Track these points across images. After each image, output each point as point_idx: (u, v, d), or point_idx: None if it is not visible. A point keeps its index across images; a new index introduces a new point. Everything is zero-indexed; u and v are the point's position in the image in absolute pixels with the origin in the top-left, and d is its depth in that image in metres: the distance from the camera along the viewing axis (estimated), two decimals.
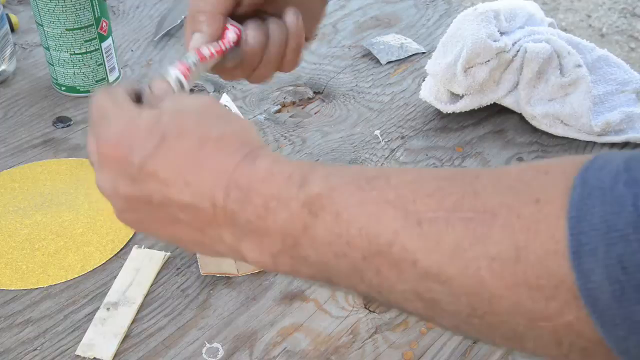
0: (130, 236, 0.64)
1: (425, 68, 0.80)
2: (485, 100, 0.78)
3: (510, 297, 0.34)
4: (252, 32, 0.53)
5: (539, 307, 0.33)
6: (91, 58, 0.81)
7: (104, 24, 0.81)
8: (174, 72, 0.49)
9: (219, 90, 0.85)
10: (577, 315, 0.32)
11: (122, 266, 0.62)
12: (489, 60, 0.75)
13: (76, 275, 0.61)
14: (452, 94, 0.78)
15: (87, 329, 0.56)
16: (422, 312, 0.37)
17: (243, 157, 0.41)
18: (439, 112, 0.80)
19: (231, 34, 0.53)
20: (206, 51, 0.51)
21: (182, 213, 0.42)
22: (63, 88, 0.83)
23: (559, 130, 0.77)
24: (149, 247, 0.63)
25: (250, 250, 0.41)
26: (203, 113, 0.43)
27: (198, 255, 0.61)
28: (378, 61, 0.90)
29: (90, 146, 0.45)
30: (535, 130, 0.78)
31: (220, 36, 0.53)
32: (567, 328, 0.33)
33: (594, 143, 0.76)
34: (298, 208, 0.39)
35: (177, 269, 0.62)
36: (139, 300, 0.58)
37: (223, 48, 0.52)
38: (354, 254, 0.37)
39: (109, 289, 0.60)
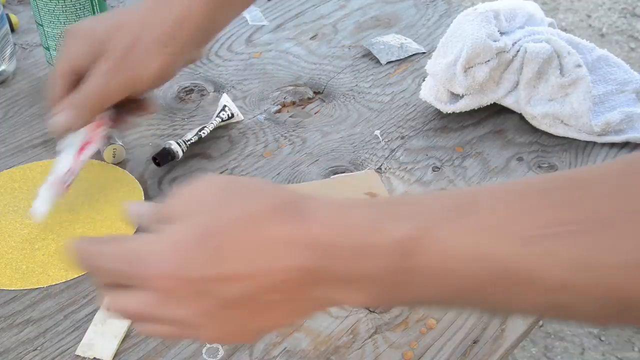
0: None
1: (425, 68, 0.80)
2: (485, 100, 0.78)
3: None
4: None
5: None
6: None
7: None
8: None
9: (218, 90, 0.85)
10: None
11: None
12: (489, 60, 0.75)
13: (76, 276, 0.61)
14: (452, 94, 0.78)
15: (87, 329, 0.56)
16: (552, 315, 0.38)
17: (304, 217, 0.41)
18: (439, 112, 0.80)
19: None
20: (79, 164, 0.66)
21: (271, 295, 0.40)
22: None
23: (559, 130, 0.77)
24: None
25: (347, 297, 0.40)
26: (225, 198, 0.42)
27: None
28: (378, 61, 0.90)
29: (138, 299, 0.41)
30: (535, 130, 0.78)
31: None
32: None
33: (594, 143, 0.76)
34: (390, 254, 0.38)
35: None
36: None
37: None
38: (471, 283, 0.37)
39: None
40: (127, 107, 0.67)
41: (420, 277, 0.38)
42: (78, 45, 0.63)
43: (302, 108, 0.82)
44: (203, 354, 0.55)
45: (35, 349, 0.55)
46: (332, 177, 0.72)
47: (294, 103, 0.83)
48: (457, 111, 0.78)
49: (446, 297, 0.39)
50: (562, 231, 0.35)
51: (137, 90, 0.65)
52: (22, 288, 0.60)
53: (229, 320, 0.41)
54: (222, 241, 0.40)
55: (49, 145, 0.76)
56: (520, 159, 0.75)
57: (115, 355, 0.55)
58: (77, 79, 0.64)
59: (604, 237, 0.34)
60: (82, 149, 0.66)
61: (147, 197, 0.69)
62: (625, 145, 0.76)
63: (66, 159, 0.65)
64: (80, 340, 0.56)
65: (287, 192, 0.43)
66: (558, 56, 0.76)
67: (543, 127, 0.77)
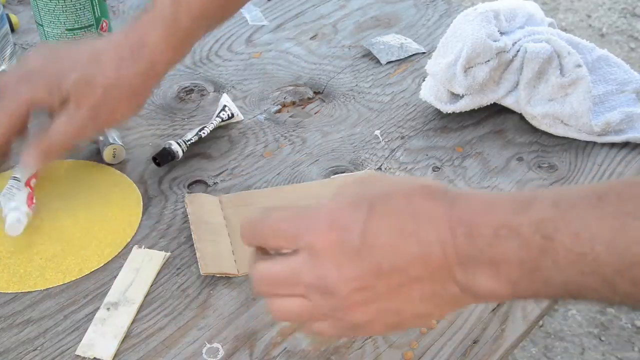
0: (129, 239, 0.64)
1: (425, 68, 0.80)
2: (485, 100, 0.78)
3: None
4: None
5: None
6: None
7: (104, 24, 0.81)
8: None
9: (218, 90, 0.85)
10: None
11: (122, 266, 0.62)
12: (489, 60, 0.75)
13: (74, 279, 0.61)
14: (452, 94, 0.78)
15: (87, 329, 0.56)
16: None
17: (449, 198, 0.43)
18: (439, 112, 0.80)
19: None
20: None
21: (412, 269, 0.42)
22: None
23: (559, 130, 0.77)
24: (149, 247, 0.63)
25: (486, 282, 0.42)
26: (377, 178, 0.47)
27: (198, 255, 0.61)
28: (378, 61, 0.90)
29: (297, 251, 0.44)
30: (535, 130, 0.78)
31: None
32: None
33: (594, 143, 0.76)
34: (530, 234, 0.40)
35: (177, 269, 0.62)
36: (139, 300, 0.58)
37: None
38: (604, 270, 0.38)
39: (109, 289, 0.60)
40: None
41: (555, 263, 0.39)
42: (41, 87, 0.63)
43: (302, 108, 0.82)
44: (203, 354, 0.55)
45: (35, 349, 0.55)
46: (332, 177, 0.72)
47: (294, 103, 0.83)
48: (457, 111, 0.78)
49: (577, 287, 0.40)
50: None
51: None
52: (19, 291, 0.60)
53: (365, 290, 0.43)
54: (378, 210, 0.43)
55: None
56: (520, 159, 0.75)
57: (115, 355, 0.55)
58: (26, 120, 0.64)
59: None
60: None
61: (147, 197, 0.69)
62: (625, 145, 0.76)
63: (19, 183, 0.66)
64: (80, 340, 0.56)
65: (432, 180, 0.47)
66: (558, 56, 0.76)
67: (543, 127, 0.77)
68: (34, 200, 0.66)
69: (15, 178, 0.65)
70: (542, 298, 0.43)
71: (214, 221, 0.65)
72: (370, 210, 0.43)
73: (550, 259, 0.40)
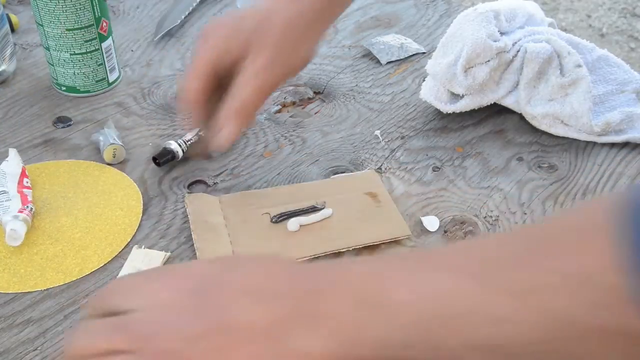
0: (129, 239, 0.64)
1: (425, 68, 0.80)
2: (485, 100, 0.78)
3: (584, 318, 0.35)
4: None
5: (612, 321, 0.34)
6: (91, 58, 0.81)
7: (104, 24, 0.81)
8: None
9: None
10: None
11: (122, 266, 0.62)
12: (489, 60, 0.75)
13: (74, 279, 0.61)
14: (452, 94, 0.78)
15: None
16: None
17: (295, 266, 0.44)
18: (439, 112, 0.80)
19: None
20: None
21: (247, 321, 0.40)
22: (63, 88, 0.83)
23: (559, 130, 0.77)
24: (149, 247, 0.63)
25: (311, 342, 0.40)
26: (196, 311, 0.42)
27: (198, 255, 0.61)
28: (378, 61, 0.90)
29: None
30: (535, 130, 0.78)
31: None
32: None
33: (594, 143, 0.76)
34: (356, 288, 0.40)
35: None
36: None
37: None
38: (419, 320, 0.38)
39: None
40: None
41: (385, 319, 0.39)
42: (220, 43, 0.59)
43: (302, 108, 0.82)
44: None
45: (35, 349, 0.55)
46: (332, 177, 0.72)
47: (294, 103, 0.83)
48: (457, 111, 0.78)
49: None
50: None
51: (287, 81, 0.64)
52: (19, 291, 0.60)
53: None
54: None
55: (49, 145, 0.76)
56: (520, 159, 0.75)
57: None
58: (216, 80, 0.61)
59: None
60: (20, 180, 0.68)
61: (147, 197, 0.69)
62: (625, 145, 0.76)
63: (11, 187, 0.66)
64: None
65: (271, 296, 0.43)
66: (558, 56, 0.76)
67: (543, 127, 0.77)
68: (30, 198, 0.66)
69: (3, 192, 0.66)
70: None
71: (214, 221, 0.65)
72: (224, 268, 0.44)
73: (375, 314, 0.39)
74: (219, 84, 0.62)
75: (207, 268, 0.44)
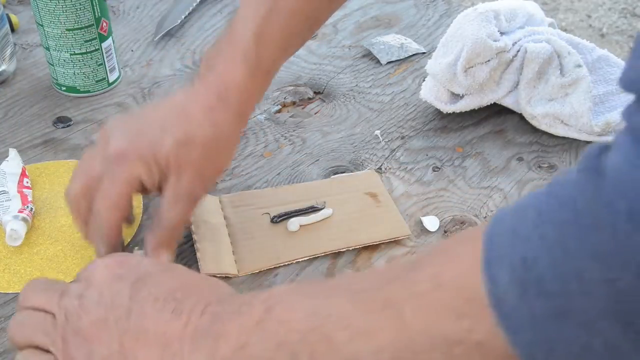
0: (129, 240, 0.64)
1: (426, 68, 0.80)
2: (485, 100, 0.78)
3: (427, 329, 0.36)
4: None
5: (452, 328, 0.35)
6: (91, 58, 0.81)
7: (104, 24, 0.81)
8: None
9: None
10: (488, 330, 0.34)
11: None
12: (489, 60, 0.75)
13: (74, 279, 0.60)
14: (452, 94, 0.78)
15: None
16: None
17: (228, 290, 0.49)
18: (439, 112, 0.80)
19: None
20: None
21: (154, 325, 0.44)
22: (63, 88, 0.83)
23: (559, 130, 0.77)
24: None
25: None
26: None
27: (198, 255, 0.61)
28: (378, 61, 0.90)
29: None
30: (535, 130, 0.78)
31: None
32: (479, 347, 0.35)
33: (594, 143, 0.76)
34: (258, 305, 0.42)
35: None
36: None
37: None
38: (293, 338, 0.40)
39: None
40: None
41: (265, 331, 0.41)
42: (137, 164, 0.55)
43: (302, 108, 0.82)
44: None
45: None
46: (332, 177, 0.72)
47: (294, 103, 0.83)
48: (457, 111, 0.78)
49: None
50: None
51: None
52: (19, 291, 0.60)
53: None
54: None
55: (49, 145, 0.76)
56: (520, 159, 0.75)
57: None
58: (130, 203, 0.57)
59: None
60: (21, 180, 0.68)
61: (147, 197, 0.69)
62: None
63: (11, 187, 0.66)
64: None
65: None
66: (558, 56, 0.76)
67: (543, 127, 0.77)
68: (30, 198, 0.66)
69: (3, 192, 0.66)
70: None
71: (214, 221, 0.65)
72: (164, 269, 0.49)
73: (261, 332, 0.41)
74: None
75: (148, 264, 0.48)
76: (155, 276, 0.46)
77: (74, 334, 0.44)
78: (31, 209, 0.65)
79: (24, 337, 0.47)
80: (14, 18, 0.95)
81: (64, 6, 0.77)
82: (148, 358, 0.43)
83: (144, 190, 0.57)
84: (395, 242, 0.64)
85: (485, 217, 0.67)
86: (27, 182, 0.68)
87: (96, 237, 0.55)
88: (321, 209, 0.66)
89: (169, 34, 0.96)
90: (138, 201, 0.68)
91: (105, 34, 0.81)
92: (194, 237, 0.63)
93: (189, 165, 0.55)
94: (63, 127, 0.79)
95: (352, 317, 0.39)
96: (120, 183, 0.54)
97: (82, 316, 0.44)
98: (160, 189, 0.57)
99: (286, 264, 0.62)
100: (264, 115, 0.81)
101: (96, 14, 0.79)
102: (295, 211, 0.66)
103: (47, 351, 0.46)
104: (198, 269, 0.61)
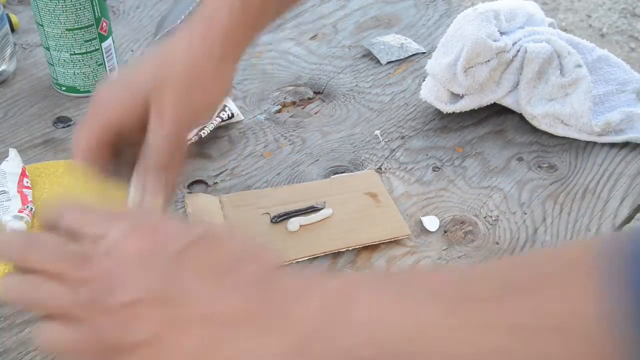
0: None
1: (426, 68, 0.80)
2: (485, 100, 0.78)
3: None
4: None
5: None
6: (91, 58, 0.81)
7: (104, 24, 0.81)
8: None
9: None
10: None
11: None
12: (489, 60, 0.75)
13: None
14: (452, 94, 0.78)
15: None
16: None
17: (273, 263, 0.41)
18: (439, 112, 0.80)
19: None
20: None
21: (199, 305, 0.39)
22: (63, 88, 0.83)
23: (559, 130, 0.77)
24: None
25: (261, 346, 0.38)
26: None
27: None
28: (378, 61, 0.90)
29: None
30: (535, 130, 0.78)
31: None
32: None
33: (594, 143, 0.76)
34: (321, 297, 0.39)
35: None
36: None
37: None
38: (373, 342, 0.37)
39: None
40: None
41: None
42: (116, 107, 0.52)
43: (302, 108, 0.82)
44: None
45: (36, 349, 0.55)
46: (332, 177, 0.72)
47: (294, 103, 0.83)
48: (457, 111, 0.78)
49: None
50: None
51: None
52: None
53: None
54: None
55: (49, 145, 0.76)
56: (520, 159, 0.75)
57: None
58: (116, 147, 0.53)
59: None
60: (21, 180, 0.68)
61: None
62: (625, 145, 0.76)
63: (12, 187, 0.66)
64: None
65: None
66: (558, 56, 0.76)
67: (543, 127, 0.77)
68: (30, 198, 0.66)
69: (3, 192, 0.66)
70: None
71: (214, 221, 0.65)
72: (196, 240, 0.40)
73: (331, 327, 0.38)
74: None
75: (180, 236, 0.41)
76: (191, 250, 0.40)
77: (105, 312, 0.38)
78: (31, 209, 0.65)
79: (37, 307, 0.41)
80: (14, 18, 0.95)
81: (64, 6, 0.77)
82: (192, 341, 0.38)
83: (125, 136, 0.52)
84: (395, 242, 0.64)
85: (485, 217, 0.67)
86: (27, 182, 0.68)
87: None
88: (321, 209, 0.66)
89: (169, 34, 0.95)
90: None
91: (105, 34, 0.81)
92: None
93: (169, 94, 0.51)
94: (63, 127, 0.79)
95: (441, 336, 0.36)
96: (91, 122, 0.52)
97: (114, 294, 0.38)
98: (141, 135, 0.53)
99: (286, 264, 0.62)
100: (264, 115, 0.81)
101: (96, 14, 0.79)
102: (295, 211, 0.66)
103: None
104: None
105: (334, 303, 0.38)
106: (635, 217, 0.70)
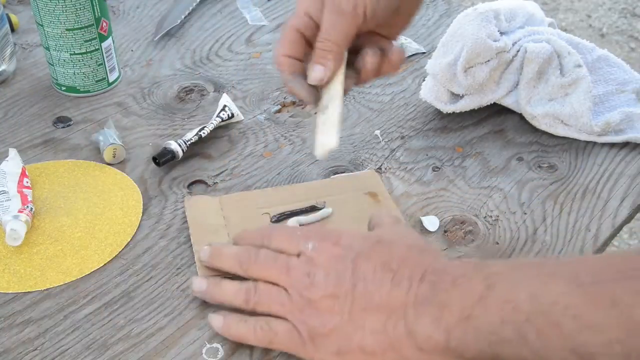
0: (129, 239, 0.64)
1: (425, 68, 0.80)
2: (485, 100, 0.78)
3: None
4: (370, 59, 0.59)
5: None
6: (91, 58, 0.81)
7: (104, 24, 0.81)
8: None
9: (218, 90, 0.85)
10: None
11: (122, 266, 0.62)
12: (489, 60, 0.75)
13: (74, 279, 0.61)
14: (452, 94, 0.78)
15: (87, 329, 0.56)
16: None
17: (438, 256, 0.52)
18: (439, 112, 0.80)
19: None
20: None
21: (377, 296, 0.50)
22: (63, 88, 0.83)
23: (559, 130, 0.77)
24: (149, 247, 0.63)
25: (427, 326, 0.47)
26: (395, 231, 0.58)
27: (196, 257, 0.61)
28: None
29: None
30: (535, 130, 0.78)
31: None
32: None
33: (594, 143, 0.76)
34: (478, 282, 0.46)
35: (177, 269, 0.62)
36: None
37: None
38: (518, 317, 0.43)
39: (108, 289, 0.60)
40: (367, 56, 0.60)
41: (485, 309, 0.45)
42: (306, 7, 0.58)
43: (302, 108, 0.82)
44: (203, 354, 0.55)
45: (35, 349, 0.55)
46: (332, 177, 0.72)
47: (294, 103, 0.83)
48: (457, 111, 0.78)
49: (497, 339, 0.44)
50: (614, 279, 0.42)
51: (376, 21, 0.59)
52: (19, 291, 0.60)
53: (340, 331, 0.51)
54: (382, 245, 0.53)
55: (49, 145, 0.76)
56: (520, 159, 0.75)
57: (115, 355, 0.55)
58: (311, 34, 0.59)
59: None
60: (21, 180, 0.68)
61: (147, 197, 0.69)
62: (625, 145, 0.76)
63: (12, 187, 0.66)
64: (80, 340, 0.55)
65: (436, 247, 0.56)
66: (558, 56, 0.76)
67: (543, 127, 0.77)
68: (30, 198, 0.66)
69: (3, 192, 0.66)
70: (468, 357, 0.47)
71: (213, 222, 0.65)
72: (374, 243, 0.53)
73: (484, 306, 0.45)
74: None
75: (359, 241, 0.54)
76: (369, 251, 0.52)
77: (308, 305, 0.51)
78: (31, 209, 0.65)
79: (263, 308, 0.54)
80: (14, 18, 0.95)
81: (64, 6, 0.77)
82: (375, 323, 0.49)
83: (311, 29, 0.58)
84: None
85: (485, 217, 0.67)
86: (27, 182, 0.68)
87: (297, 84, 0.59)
88: (321, 208, 0.66)
89: (169, 34, 0.96)
90: (138, 201, 0.68)
91: (105, 34, 0.81)
92: (192, 239, 0.63)
93: None
94: (63, 127, 0.79)
95: (579, 309, 0.41)
96: (289, 25, 0.58)
97: (313, 290, 0.51)
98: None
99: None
100: (264, 115, 0.81)
101: (96, 14, 0.79)
102: (295, 211, 0.66)
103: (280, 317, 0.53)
104: (196, 272, 0.61)
105: (475, 294, 0.46)
106: (635, 217, 0.70)
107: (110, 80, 0.84)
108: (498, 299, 0.44)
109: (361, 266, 0.51)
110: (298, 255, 0.54)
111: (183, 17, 0.98)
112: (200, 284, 0.57)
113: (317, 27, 0.58)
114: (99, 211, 0.67)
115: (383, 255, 0.52)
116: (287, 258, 0.54)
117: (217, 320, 0.55)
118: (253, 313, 0.54)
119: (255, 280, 0.55)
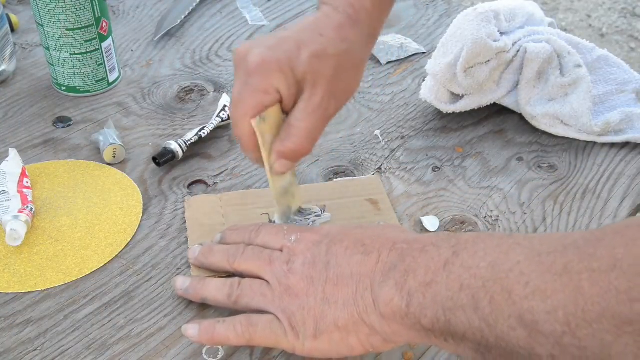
0: (129, 239, 0.64)
1: (425, 68, 0.80)
2: (485, 100, 0.78)
3: (601, 302, 0.38)
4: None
5: (624, 309, 0.37)
6: (91, 58, 0.81)
7: (104, 24, 0.81)
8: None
9: (218, 90, 0.85)
10: None
11: (122, 266, 0.62)
12: (489, 60, 0.75)
13: (74, 279, 0.61)
14: (452, 94, 0.78)
15: (87, 329, 0.56)
16: (522, 341, 0.41)
17: (414, 233, 0.53)
18: (439, 112, 0.80)
19: None
20: None
21: (348, 267, 0.51)
22: (63, 88, 0.83)
23: (559, 130, 0.77)
24: (149, 247, 0.63)
25: (389, 291, 0.47)
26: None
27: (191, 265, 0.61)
28: (378, 61, 0.90)
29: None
30: (535, 130, 0.78)
31: None
32: None
33: (594, 143, 0.76)
34: (445, 249, 0.47)
35: (177, 269, 0.62)
36: None
37: None
38: (475, 283, 0.43)
39: (109, 289, 0.60)
40: None
41: (447, 275, 0.45)
42: (276, 76, 0.55)
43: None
44: (203, 354, 0.55)
45: (35, 349, 0.55)
46: (334, 180, 0.72)
47: None
48: (457, 111, 0.78)
49: (451, 307, 0.44)
50: (569, 248, 0.41)
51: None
52: (19, 291, 0.60)
53: (314, 305, 0.51)
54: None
55: (49, 145, 0.76)
56: (520, 159, 0.75)
57: (115, 355, 0.55)
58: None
59: (593, 249, 0.40)
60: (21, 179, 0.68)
61: (147, 197, 0.69)
62: (625, 145, 0.76)
63: (11, 187, 0.66)
64: (81, 340, 0.56)
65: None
66: (558, 56, 0.76)
67: (543, 127, 0.77)
68: (30, 198, 0.66)
69: (3, 192, 0.66)
70: (423, 329, 0.47)
71: (212, 222, 0.65)
72: (352, 228, 0.54)
73: (447, 272, 0.45)
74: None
75: (338, 228, 0.55)
76: (345, 233, 0.53)
77: (286, 292, 0.52)
78: (31, 209, 0.65)
79: (246, 301, 0.54)
80: (14, 18, 0.95)
81: (64, 6, 0.77)
82: (346, 296, 0.50)
83: (280, 104, 0.57)
84: None
85: (485, 217, 0.67)
86: (27, 182, 0.68)
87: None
88: (320, 215, 0.66)
89: (169, 34, 0.96)
90: (138, 201, 0.68)
91: (105, 34, 0.81)
92: (189, 241, 0.63)
93: (323, 79, 0.56)
94: (63, 127, 0.79)
95: (532, 276, 0.41)
96: (257, 92, 0.55)
97: (290, 277, 0.52)
98: (293, 106, 0.57)
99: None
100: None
101: (96, 14, 0.79)
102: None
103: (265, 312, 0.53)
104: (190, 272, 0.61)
105: (441, 260, 0.46)
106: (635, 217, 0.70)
107: (110, 80, 0.84)
108: (461, 265, 0.45)
109: (335, 246, 0.52)
110: (282, 249, 0.55)
111: (183, 17, 0.98)
112: (183, 281, 0.58)
113: (281, 101, 0.56)
114: (99, 211, 0.67)
115: (357, 235, 0.52)
116: (270, 252, 0.55)
117: (192, 329, 0.53)
118: (234, 314, 0.54)
119: (241, 276, 0.56)
